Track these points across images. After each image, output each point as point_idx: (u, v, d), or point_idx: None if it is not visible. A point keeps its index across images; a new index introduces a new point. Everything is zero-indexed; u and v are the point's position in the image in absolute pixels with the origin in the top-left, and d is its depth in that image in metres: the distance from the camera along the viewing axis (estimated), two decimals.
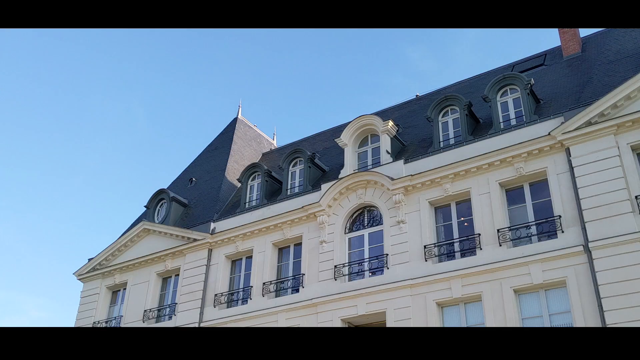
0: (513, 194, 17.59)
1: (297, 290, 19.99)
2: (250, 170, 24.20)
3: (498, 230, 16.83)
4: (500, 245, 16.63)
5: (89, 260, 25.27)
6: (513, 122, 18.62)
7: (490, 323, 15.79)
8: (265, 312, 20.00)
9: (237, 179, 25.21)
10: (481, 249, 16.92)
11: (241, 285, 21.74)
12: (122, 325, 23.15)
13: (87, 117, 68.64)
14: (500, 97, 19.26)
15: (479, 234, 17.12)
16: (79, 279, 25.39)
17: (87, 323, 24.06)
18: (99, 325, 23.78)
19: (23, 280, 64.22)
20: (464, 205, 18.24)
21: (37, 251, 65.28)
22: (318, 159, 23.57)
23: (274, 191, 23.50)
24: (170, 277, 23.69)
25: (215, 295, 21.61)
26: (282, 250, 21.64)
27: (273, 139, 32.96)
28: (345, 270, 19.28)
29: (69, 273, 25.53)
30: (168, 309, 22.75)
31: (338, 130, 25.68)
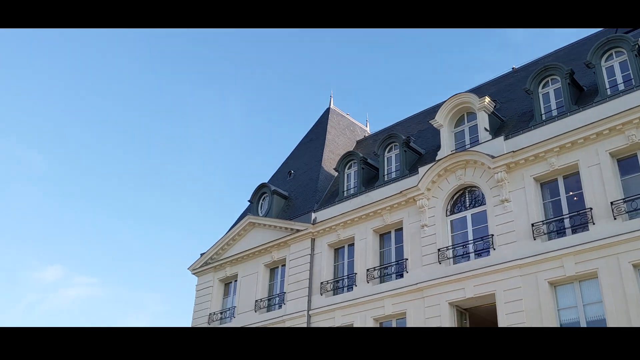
0: (626, 164, 16.52)
1: (402, 276, 19.98)
2: (346, 158, 24.38)
3: (612, 203, 15.89)
4: (615, 219, 15.70)
5: (201, 255, 26.62)
6: (621, 87, 17.46)
7: (608, 300, 15.01)
8: (371, 298, 20.18)
9: (334, 169, 25.50)
10: (594, 223, 16.07)
11: (345, 273, 22.04)
12: (236, 315, 24.25)
13: (189, 119, 72.00)
14: (605, 61, 18.10)
15: (591, 208, 16.26)
16: (193, 273, 26.81)
17: (203, 315, 25.42)
18: (214, 317, 25.05)
19: (143, 278, 68.82)
20: (573, 179, 17.38)
21: (154, 249, 69.63)
22: (413, 142, 23.33)
23: (371, 178, 23.55)
24: (277, 267, 24.46)
25: (321, 283, 22.07)
26: (383, 236, 21.69)
27: (366, 126, 32.98)
28: (450, 253, 19.01)
29: (184, 268, 26.85)
30: (277, 298, 23.55)
31: (432, 111, 25.25)
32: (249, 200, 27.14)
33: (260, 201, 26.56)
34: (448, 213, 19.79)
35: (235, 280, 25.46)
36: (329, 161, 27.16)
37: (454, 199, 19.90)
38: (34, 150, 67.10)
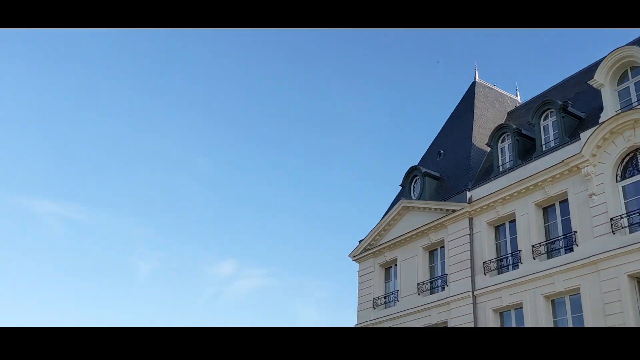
0: None
1: (571, 249, 18.84)
2: (499, 132, 23.46)
3: None
4: None
5: (360, 242, 27.26)
6: None
7: None
8: (539, 275, 19.30)
9: (486, 144, 24.68)
10: None
11: (509, 250, 21.28)
12: (400, 299, 24.52)
13: (336, 112, 73.79)
14: None
15: None
16: (354, 260, 27.56)
17: (368, 300, 26.04)
18: (378, 301, 25.54)
19: (308, 266, 72.07)
20: None
21: (317, 239, 72.62)
22: (571, 106, 21.77)
23: (527, 149, 22.42)
24: (436, 249, 24.28)
25: (484, 262, 21.53)
26: (546, 210, 20.58)
27: (516, 96, 31.40)
28: (624, 221, 17.53)
29: (345, 255, 27.70)
30: (440, 280, 23.40)
31: (589, 71, 23.36)
32: (400, 185, 27.24)
33: (412, 184, 26.52)
34: (619, 179, 18.25)
35: (395, 265, 25.71)
36: (480, 136, 26.32)
37: (624, 162, 18.29)
38: (201, 155, 73.16)
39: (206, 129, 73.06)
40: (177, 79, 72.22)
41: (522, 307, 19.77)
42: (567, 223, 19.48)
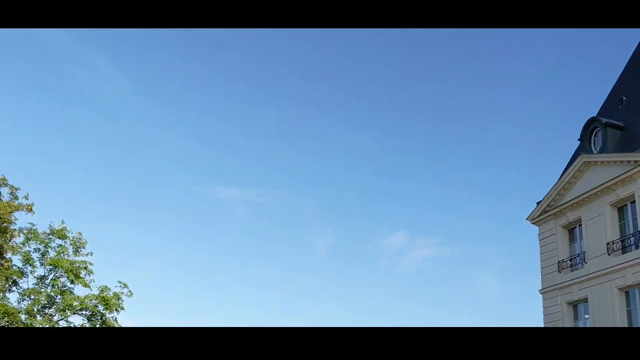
0: None
1: None
2: None
3: None
4: None
5: (538, 203, 26.07)
6: None
7: None
8: None
9: None
10: None
11: None
12: (588, 260, 23.13)
13: (499, 64, 70.54)
14: None
15: None
16: (533, 223, 26.44)
17: (551, 263, 24.90)
18: (564, 264, 24.29)
19: (482, 233, 70.44)
20: None
21: (488, 204, 70.56)
22: None
23: None
24: (625, 205, 22.43)
25: None
26: None
27: None
28: None
29: (521, 218, 26.75)
30: (632, 238, 21.65)
31: None
32: (579, 139, 25.51)
33: (592, 137, 24.68)
34: None
35: (580, 225, 24.24)
36: None
37: None
38: (365, 134, 74.75)
39: (369, 107, 74.23)
40: (336, 61, 74.08)
41: None
42: None
